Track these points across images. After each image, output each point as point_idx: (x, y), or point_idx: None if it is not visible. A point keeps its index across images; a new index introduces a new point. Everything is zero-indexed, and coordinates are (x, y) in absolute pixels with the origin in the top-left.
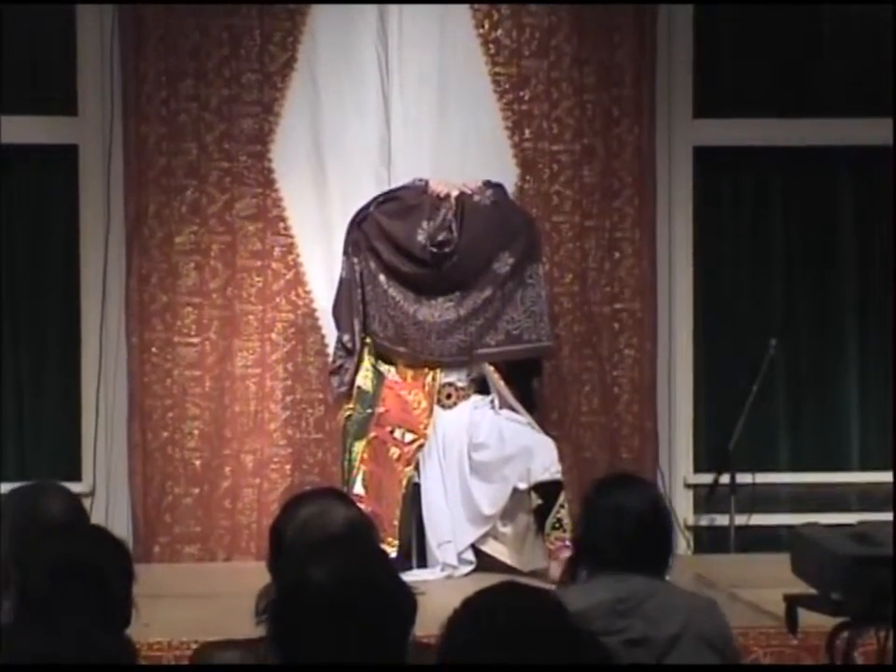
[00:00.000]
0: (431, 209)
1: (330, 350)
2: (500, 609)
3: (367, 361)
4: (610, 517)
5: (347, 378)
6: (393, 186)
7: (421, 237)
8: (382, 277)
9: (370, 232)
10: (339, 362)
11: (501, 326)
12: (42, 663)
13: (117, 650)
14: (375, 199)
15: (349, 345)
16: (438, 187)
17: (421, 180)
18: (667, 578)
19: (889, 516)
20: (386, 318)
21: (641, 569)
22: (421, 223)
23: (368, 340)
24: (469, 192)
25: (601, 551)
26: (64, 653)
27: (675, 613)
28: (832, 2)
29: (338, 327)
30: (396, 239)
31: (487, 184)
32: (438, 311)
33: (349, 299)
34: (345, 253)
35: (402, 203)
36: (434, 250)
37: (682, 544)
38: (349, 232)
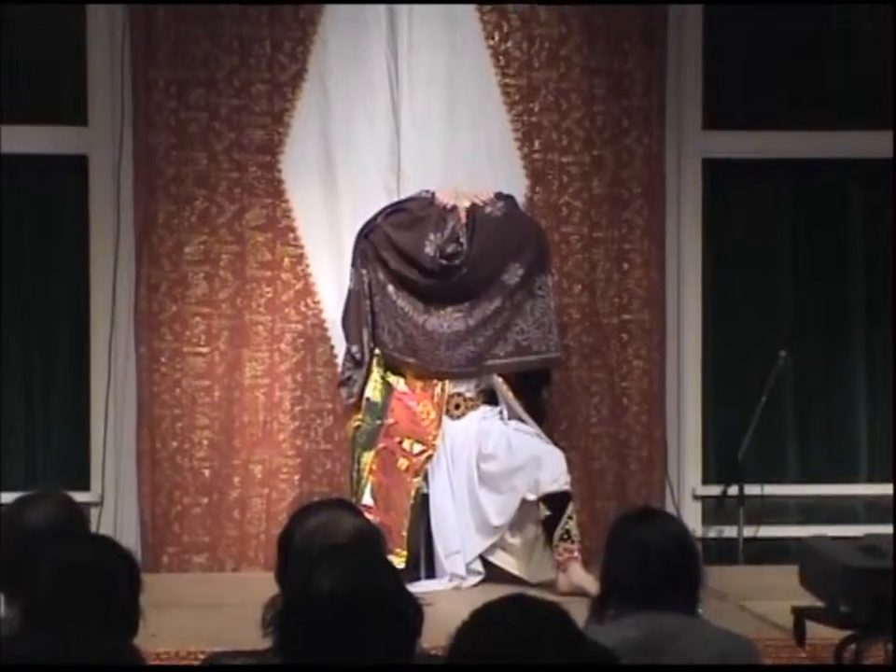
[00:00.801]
0: (438, 220)
1: (339, 361)
2: (508, 621)
3: (376, 372)
4: (635, 554)
5: (356, 389)
6: (402, 197)
7: (428, 248)
8: (391, 288)
9: (378, 243)
10: (348, 374)
11: (510, 337)
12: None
13: (123, 657)
14: (383, 210)
15: (358, 357)
16: (444, 198)
17: (428, 192)
18: (700, 611)
19: None
20: (396, 329)
21: (671, 605)
22: (428, 234)
23: (377, 351)
24: (481, 204)
25: (627, 588)
26: (70, 659)
27: (706, 652)
28: (841, 14)
29: (347, 338)
30: (404, 250)
31: (499, 195)
32: (447, 321)
33: (358, 310)
34: (353, 264)
35: (410, 214)
36: (444, 262)
37: None
38: (357, 244)
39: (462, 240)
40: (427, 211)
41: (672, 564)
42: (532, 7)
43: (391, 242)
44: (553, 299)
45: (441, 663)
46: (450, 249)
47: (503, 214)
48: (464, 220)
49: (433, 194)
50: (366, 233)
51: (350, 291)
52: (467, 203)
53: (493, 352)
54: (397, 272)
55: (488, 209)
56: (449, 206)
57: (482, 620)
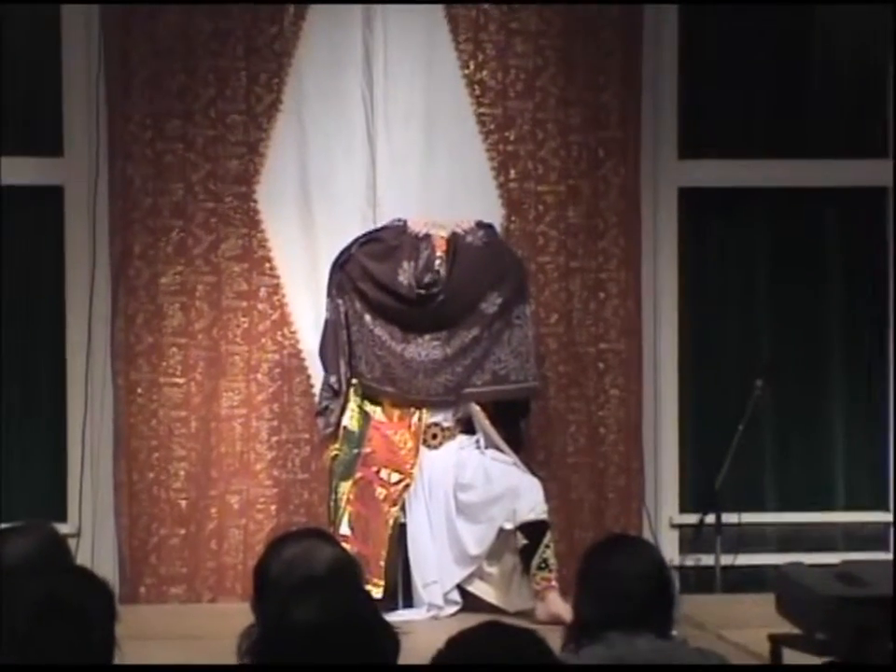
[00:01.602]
0: (411, 249)
1: (316, 390)
2: (484, 648)
3: (353, 402)
4: (608, 582)
5: (333, 419)
6: (379, 225)
7: (402, 277)
8: (368, 317)
9: (353, 273)
10: (325, 403)
11: (488, 366)
12: None
13: None
14: (357, 240)
15: (336, 387)
16: (416, 227)
17: (400, 220)
18: (675, 633)
19: (874, 556)
20: (373, 359)
21: (645, 629)
22: (402, 263)
23: (354, 381)
24: (462, 233)
25: (601, 616)
26: None
27: None
28: (820, 42)
29: (325, 368)
30: (379, 280)
31: (479, 224)
32: (425, 349)
33: (335, 340)
34: (329, 295)
35: (383, 244)
36: (422, 291)
37: None
38: (332, 274)
39: (438, 268)
40: (399, 240)
41: (645, 588)
42: (507, 36)
43: (366, 271)
44: (531, 328)
45: None
46: (427, 279)
47: (483, 243)
48: (443, 248)
49: (405, 223)
50: (341, 263)
51: (327, 321)
52: (443, 232)
53: (470, 381)
54: (374, 300)
55: (469, 238)
56: (421, 234)
57: (458, 647)
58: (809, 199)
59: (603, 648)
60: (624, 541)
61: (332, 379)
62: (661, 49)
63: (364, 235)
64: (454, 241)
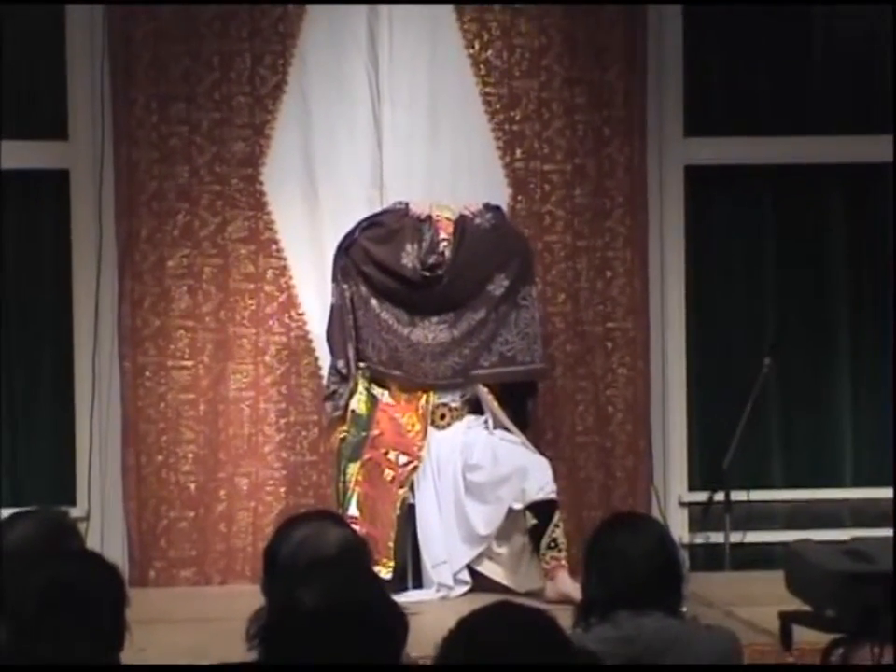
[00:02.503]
0: (413, 231)
1: (324, 372)
2: (495, 628)
3: (360, 385)
4: (616, 560)
5: (342, 403)
6: (385, 206)
7: (406, 260)
8: (374, 301)
9: (357, 258)
10: (333, 388)
11: (495, 348)
12: None
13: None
14: (359, 224)
15: (344, 371)
16: (418, 209)
17: (401, 203)
18: (684, 609)
19: (882, 532)
20: (380, 343)
21: (654, 607)
22: (405, 246)
23: (362, 364)
24: (471, 215)
25: (610, 594)
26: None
27: (691, 650)
28: (823, 19)
29: (332, 353)
30: (383, 263)
31: (487, 207)
32: (432, 332)
33: (341, 325)
34: (335, 280)
35: (385, 227)
36: (427, 273)
37: None
38: (337, 259)
39: (443, 250)
40: (401, 223)
41: (653, 566)
42: (512, 15)
43: (369, 255)
44: (537, 309)
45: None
46: (431, 261)
47: (491, 225)
48: (448, 230)
49: (407, 205)
50: (345, 248)
51: (333, 307)
52: (448, 214)
53: (478, 363)
54: (379, 284)
55: (477, 220)
56: (423, 217)
57: (468, 627)
58: (815, 175)
59: (611, 628)
60: (629, 520)
61: (340, 363)
62: (665, 27)
63: (366, 219)
64: (461, 223)
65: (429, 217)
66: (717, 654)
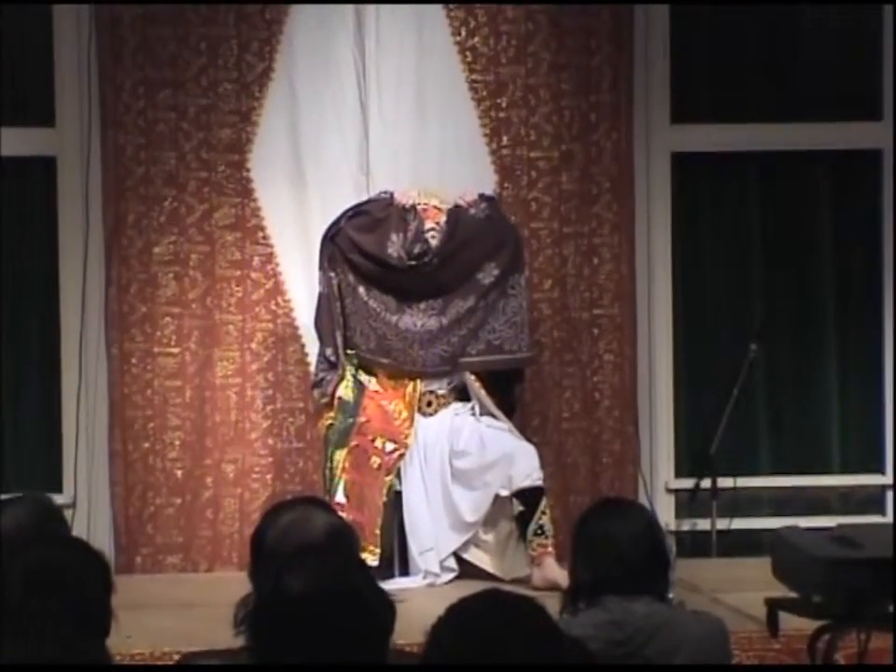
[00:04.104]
0: (398, 221)
1: (310, 359)
2: (484, 616)
3: (348, 372)
4: (603, 544)
5: (330, 389)
6: (372, 193)
7: (391, 250)
8: (361, 289)
9: (343, 246)
10: (321, 375)
11: (482, 336)
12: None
13: (96, 659)
14: (345, 213)
15: (332, 359)
16: (403, 198)
17: (386, 192)
18: (671, 596)
19: (869, 519)
20: (368, 330)
21: (642, 592)
22: (390, 236)
23: (350, 351)
24: (465, 206)
25: (597, 578)
26: (44, 662)
27: (677, 635)
28: (809, 3)
29: (321, 341)
30: (369, 252)
31: (482, 197)
32: (420, 319)
33: (329, 313)
34: (321, 268)
35: (370, 216)
36: (413, 263)
37: None
38: (323, 247)
39: (429, 239)
40: (386, 212)
41: (640, 550)
42: (498, 2)
43: (355, 244)
44: (525, 298)
45: (417, 659)
46: (416, 249)
47: (485, 216)
48: (435, 219)
49: (392, 195)
50: (331, 236)
51: (320, 295)
52: (436, 202)
53: (465, 350)
54: (366, 272)
55: (472, 211)
56: (408, 206)
57: (457, 615)
58: (802, 162)
59: (600, 611)
60: (617, 505)
61: (328, 351)
62: (652, 14)
63: (352, 208)
64: (455, 213)
65: (414, 206)
66: (704, 639)
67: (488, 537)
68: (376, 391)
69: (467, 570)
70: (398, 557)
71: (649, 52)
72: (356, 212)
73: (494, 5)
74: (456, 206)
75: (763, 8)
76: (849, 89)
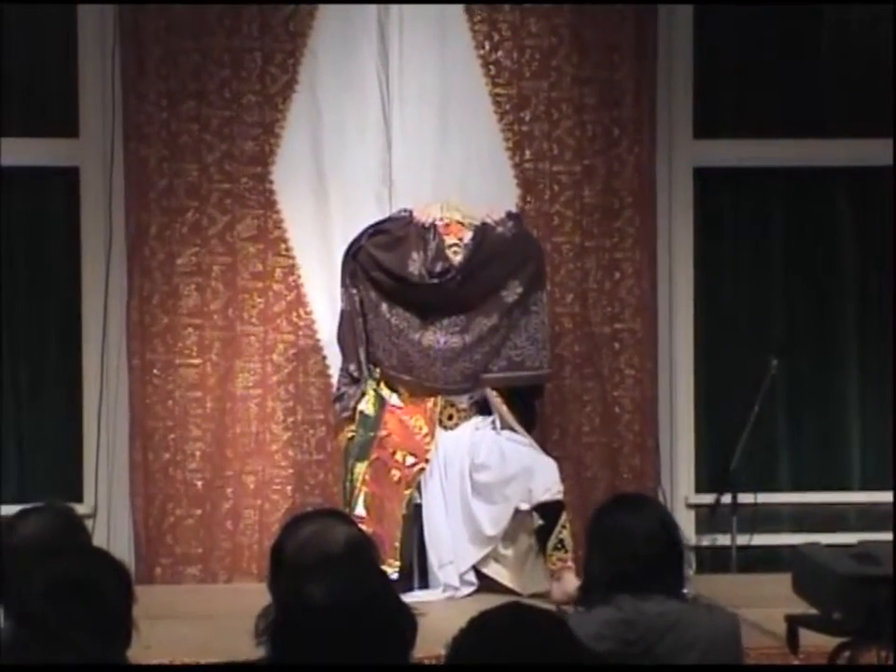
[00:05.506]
0: (418, 239)
1: (332, 371)
2: (506, 628)
3: (369, 387)
4: (617, 540)
5: (351, 404)
6: (394, 206)
7: (412, 268)
8: (384, 306)
9: (365, 264)
10: (343, 390)
11: (504, 352)
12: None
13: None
14: (366, 231)
15: (355, 374)
16: (422, 216)
17: (406, 211)
18: (686, 591)
19: (889, 535)
20: (391, 347)
21: (656, 588)
22: (411, 254)
23: (373, 367)
24: (493, 224)
25: (611, 574)
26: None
27: (693, 631)
28: (832, 22)
29: (343, 357)
30: (390, 270)
31: (509, 215)
32: (443, 336)
33: (352, 329)
34: (343, 285)
35: (390, 235)
36: (435, 281)
37: None
38: (345, 264)
39: (451, 256)
40: (406, 230)
41: (654, 545)
42: (522, 15)
43: (377, 262)
44: (547, 315)
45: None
46: (438, 268)
47: (512, 235)
48: (460, 235)
49: (411, 213)
50: (353, 253)
51: (343, 311)
52: (458, 216)
53: (487, 367)
54: (388, 289)
55: (500, 229)
56: (427, 224)
57: (479, 628)
58: (823, 178)
59: (612, 610)
60: (631, 500)
61: (352, 367)
62: (675, 29)
63: (372, 226)
64: (482, 231)
65: (434, 224)
66: (716, 636)
67: (508, 551)
68: (397, 406)
69: (486, 585)
70: (417, 570)
71: (672, 67)
72: (376, 230)
73: (518, 17)
74: (483, 224)
75: (787, 26)
76: (872, 106)
